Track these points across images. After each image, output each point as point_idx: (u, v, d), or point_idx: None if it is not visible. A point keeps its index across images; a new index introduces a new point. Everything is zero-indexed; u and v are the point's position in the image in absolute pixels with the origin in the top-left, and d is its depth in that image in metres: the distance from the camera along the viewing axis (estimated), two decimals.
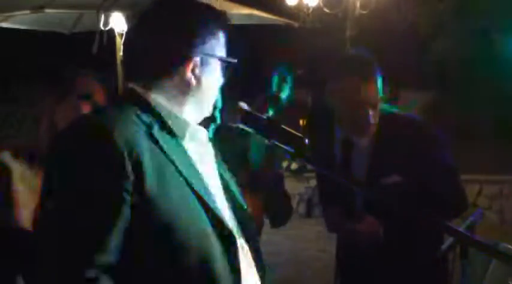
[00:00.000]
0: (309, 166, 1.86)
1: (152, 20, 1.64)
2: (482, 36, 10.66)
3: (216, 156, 1.74)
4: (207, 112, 1.69)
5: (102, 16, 6.73)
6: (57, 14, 7.25)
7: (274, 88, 5.44)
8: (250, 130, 1.64)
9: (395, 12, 11.20)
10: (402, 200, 2.33)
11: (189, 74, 1.61)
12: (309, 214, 8.94)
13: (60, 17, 7.59)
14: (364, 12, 9.35)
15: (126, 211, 1.45)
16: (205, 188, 1.57)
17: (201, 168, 1.61)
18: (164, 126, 1.58)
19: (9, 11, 7.10)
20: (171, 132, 1.58)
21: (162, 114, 1.59)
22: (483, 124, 10.15)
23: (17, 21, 7.59)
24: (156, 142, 1.52)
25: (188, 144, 1.61)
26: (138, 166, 1.45)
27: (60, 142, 1.54)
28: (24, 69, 12.66)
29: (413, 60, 11.03)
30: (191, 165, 1.58)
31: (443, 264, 2.68)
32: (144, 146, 1.48)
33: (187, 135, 1.61)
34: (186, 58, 1.60)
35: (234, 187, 1.74)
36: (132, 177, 1.44)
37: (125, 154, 1.44)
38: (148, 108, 1.58)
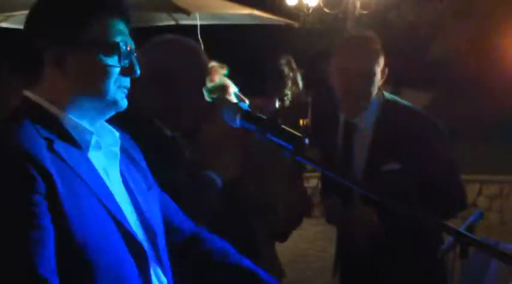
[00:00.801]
0: (309, 166, 1.87)
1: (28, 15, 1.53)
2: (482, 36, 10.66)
3: (129, 157, 1.65)
4: (107, 108, 1.54)
5: None
6: None
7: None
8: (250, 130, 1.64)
9: (395, 12, 11.20)
10: (399, 189, 2.39)
11: (59, 69, 1.48)
12: (309, 214, 8.95)
13: None
14: (364, 12, 9.35)
15: (49, 226, 1.35)
16: (115, 202, 1.49)
17: (107, 178, 1.52)
18: (66, 137, 1.47)
19: (9, 11, 7.09)
20: (74, 143, 1.47)
21: (62, 122, 1.48)
22: (483, 124, 10.15)
23: (17, 21, 7.58)
24: (60, 157, 1.42)
25: (93, 154, 1.51)
26: (48, 181, 1.36)
27: None
28: None
29: (413, 60, 11.03)
30: (98, 178, 1.48)
31: (442, 263, 2.68)
32: (49, 162, 1.38)
33: (92, 143, 1.50)
34: (48, 51, 1.47)
35: (140, 193, 1.63)
36: (43, 194, 1.35)
37: (33, 171, 1.34)
38: (45, 118, 1.47)
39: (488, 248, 1.48)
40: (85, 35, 1.49)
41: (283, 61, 3.07)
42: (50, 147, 1.42)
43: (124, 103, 1.56)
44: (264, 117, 1.62)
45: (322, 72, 3.32)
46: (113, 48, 1.51)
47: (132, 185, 1.61)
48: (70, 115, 1.50)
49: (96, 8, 1.51)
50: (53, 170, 1.37)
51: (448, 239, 2.88)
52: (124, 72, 1.54)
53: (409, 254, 2.64)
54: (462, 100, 10.55)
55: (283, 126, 1.61)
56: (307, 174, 8.90)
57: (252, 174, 2.47)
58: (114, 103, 1.53)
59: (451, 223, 1.49)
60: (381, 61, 2.67)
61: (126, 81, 1.56)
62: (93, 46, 1.49)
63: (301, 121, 9.25)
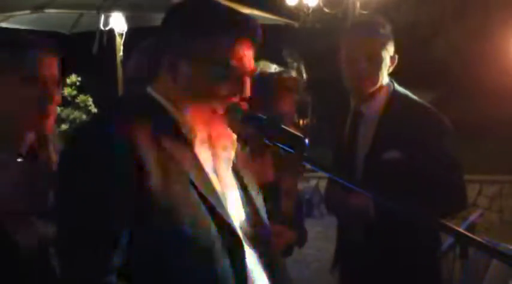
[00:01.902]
0: (309, 166, 1.86)
1: (164, 21, 1.67)
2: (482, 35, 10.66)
3: (239, 165, 1.74)
4: (211, 114, 1.64)
5: (102, 16, 6.74)
6: (57, 14, 7.26)
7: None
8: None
9: (395, 12, 11.20)
10: (399, 179, 2.42)
11: (183, 72, 1.60)
12: (308, 214, 8.94)
13: (60, 17, 7.60)
14: (364, 12, 9.35)
15: (132, 213, 1.47)
16: (214, 193, 1.58)
17: (213, 173, 1.62)
18: (174, 130, 1.58)
19: (9, 11, 7.10)
20: (181, 135, 1.58)
21: (173, 116, 1.60)
22: (483, 124, 10.15)
23: (17, 21, 7.59)
24: (162, 147, 1.53)
25: (200, 150, 1.61)
26: (144, 168, 1.47)
27: (68, 148, 1.59)
28: None
29: (413, 59, 11.04)
30: (199, 169, 1.58)
31: (438, 262, 2.69)
32: (150, 150, 1.50)
33: (198, 138, 1.61)
34: (178, 56, 1.60)
35: (257, 202, 1.74)
36: (137, 180, 1.46)
37: (131, 158, 1.47)
38: (160, 113, 1.60)
39: (488, 248, 1.48)
40: (205, 50, 1.59)
41: (285, 52, 3.08)
42: (156, 139, 1.52)
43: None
44: (264, 117, 1.62)
45: (322, 72, 3.31)
46: (222, 67, 1.59)
47: (246, 183, 1.73)
48: (183, 114, 1.61)
49: (220, 29, 1.60)
50: (151, 159, 1.49)
51: (448, 239, 2.89)
52: (235, 91, 1.63)
53: (408, 252, 2.63)
54: (462, 100, 10.55)
55: (283, 126, 1.61)
56: (306, 174, 8.90)
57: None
58: (212, 115, 1.62)
59: (451, 223, 1.49)
60: (390, 47, 2.70)
61: (236, 98, 1.64)
62: (211, 62, 1.59)
63: (301, 122, 9.24)
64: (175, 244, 1.49)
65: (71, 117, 7.29)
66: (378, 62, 2.65)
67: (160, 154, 1.51)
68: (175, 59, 1.59)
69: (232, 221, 1.58)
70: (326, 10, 9.37)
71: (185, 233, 1.49)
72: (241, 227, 1.64)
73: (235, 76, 1.60)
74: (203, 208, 1.53)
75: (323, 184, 7.72)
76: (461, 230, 1.49)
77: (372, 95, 2.70)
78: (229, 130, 1.68)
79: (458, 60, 10.99)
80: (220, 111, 1.62)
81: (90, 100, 7.45)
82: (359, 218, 2.62)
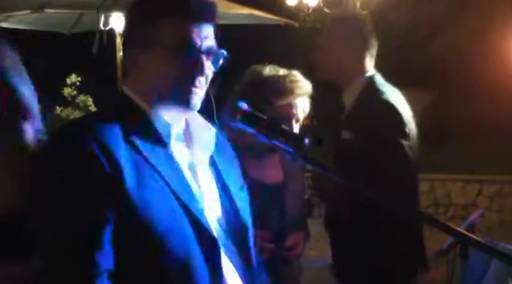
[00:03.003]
0: (309, 166, 1.87)
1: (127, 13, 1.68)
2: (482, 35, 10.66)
3: (221, 158, 1.72)
4: (182, 107, 1.61)
5: (102, 16, 6.73)
6: (57, 14, 7.26)
7: None
8: (250, 130, 1.63)
9: (395, 12, 11.19)
10: (352, 158, 2.59)
11: (142, 64, 1.59)
12: (308, 214, 8.93)
13: (60, 17, 7.60)
14: (364, 12, 9.35)
15: (109, 213, 1.46)
16: (189, 191, 1.57)
17: (192, 171, 1.61)
18: (147, 128, 1.56)
19: (9, 11, 7.10)
20: (154, 134, 1.56)
21: (147, 114, 1.58)
22: (484, 124, 10.14)
23: (17, 21, 7.59)
24: (136, 148, 1.51)
25: (176, 148, 1.60)
26: (115, 169, 1.46)
27: (41, 154, 1.58)
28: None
29: (413, 60, 11.03)
30: (175, 170, 1.56)
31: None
32: (122, 150, 1.49)
33: (173, 136, 1.59)
34: (134, 49, 1.59)
35: (237, 199, 1.71)
36: (110, 181, 1.45)
37: (102, 159, 1.45)
38: (132, 110, 1.58)
39: (488, 248, 1.48)
40: (153, 36, 1.56)
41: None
42: (128, 138, 1.50)
43: (194, 104, 1.60)
44: (264, 117, 1.62)
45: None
46: (180, 48, 1.56)
47: (227, 180, 1.69)
48: (155, 110, 1.58)
49: (167, 10, 1.58)
50: (123, 159, 1.47)
51: (448, 239, 2.88)
52: (191, 72, 1.58)
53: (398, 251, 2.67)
54: (462, 99, 10.55)
55: (283, 126, 1.61)
56: (306, 174, 8.89)
57: None
58: (185, 103, 1.59)
59: (451, 223, 1.50)
60: (359, 42, 2.86)
61: (196, 81, 1.59)
62: (160, 46, 1.56)
63: (303, 121, 9.23)
64: (152, 245, 1.48)
65: (71, 117, 7.28)
66: (339, 55, 2.84)
67: (134, 155, 1.50)
68: (133, 52, 1.59)
69: (207, 221, 1.57)
70: (326, 10, 9.37)
71: (161, 234, 1.48)
72: (221, 225, 1.64)
73: (190, 57, 1.57)
74: (178, 208, 1.53)
75: None
76: (461, 230, 1.49)
77: (347, 85, 2.88)
78: (207, 124, 1.67)
79: (458, 60, 10.99)
80: (192, 103, 1.60)
81: (90, 100, 7.43)
82: (347, 208, 2.70)
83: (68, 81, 7.43)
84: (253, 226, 1.77)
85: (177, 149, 1.60)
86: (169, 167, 1.55)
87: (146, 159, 1.51)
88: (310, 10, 9.49)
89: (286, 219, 2.47)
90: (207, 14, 1.62)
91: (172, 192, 1.52)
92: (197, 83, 1.59)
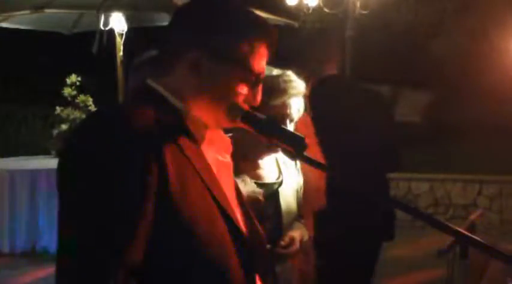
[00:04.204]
0: (308, 166, 1.88)
1: (176, 16, 1.62)
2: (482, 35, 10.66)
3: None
4: (223, 117, 1.59)
5: (102, 16, 6.73)
6: (57, 14, 7.26)
7: None
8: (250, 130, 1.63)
9: (395, 12, 11.19)
10: None
11: (206, 71, 1.54)
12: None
13: (60, 17, 7.60)
14: (364, 12, 9.34)
15: (148, 211, 1.39)
16: (225, 197, 1.54)
17: (218, 176, 1.57)
18: (185, 129, 1.52)
19: (9, 11, 7.10)
20: (189, 134, 1.52)
21: (182, 115, 1.54)
22: (484, 124, 10.14)
23: (17, 21, 7.59)
24: (179, 147, 1.47)
25: (206, 150, 1.56)
26: (160, 165, 1.40)
27: (78, 140, 1.47)
28: (25, 69, 12.66)
29: (413, 60, 11.03)
30: (211, 173, 1.53)
31: None
32: (166, 149, 1.43)
33: (206, 138, 1.56)
34: (201, 55, 1.54)
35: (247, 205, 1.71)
36: (154, 175, 1.39)
37: (147, 153, 1.39)
38: (168, 109, 1.53)
39: (488, 248, 1.48)
40: (228, 49, 1.55)
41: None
42: (170, 137, 1.46)
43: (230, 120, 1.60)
44: (264, 117, 1.62)
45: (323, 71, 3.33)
46: (244, 68, 1.56)
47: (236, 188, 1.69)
48: (192, 113, 1.55)
49: (247, 30, 1.57)
50: (168, 158, 1.42)
51: (448, 239, 2.88)
52: (246, 96, 1.59)
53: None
54: (462, 99, 10.55)
55: (283, 126, 1.61)
56: None
57: None
58: (226, 117, 1.58)
59: (451, 223, 1.49)
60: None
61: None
62: (229, 60, 1.55)
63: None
64: (191, 249, 1.44)
65: (71, 117, 7.27)
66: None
67: (177, 156, 1.45)
68: (198, 57, 1.53)
69: (244, 230, 1.57)
70: (326, 10, 9.36)
71: (201, 239, 1.45)
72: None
73: (252, 81, 1.58)
74: (219, 214, 1.50)
75: None
76: (461, 230, 1.49)
77: None
78: (223, 135, 1.67)
79: (458, 60, 10.98)
80: (225, 116, 1.58)
81: (90, 100, 7.43)
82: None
83: (68, 81, 7.42)
84: None
85: (207, 153, 1.57)
86: (208, 171, 1.52)
87: (189, 161, 1.47)
88: (310, 10, 9.48)
89: (282, 219, 2.47)
90: (275, 46, 1.64)
91: (213, 197, 1.50)
92: (246, 106, 1.61)
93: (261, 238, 1.68)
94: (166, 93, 1.55)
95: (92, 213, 1.38)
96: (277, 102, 2.38)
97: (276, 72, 2.43)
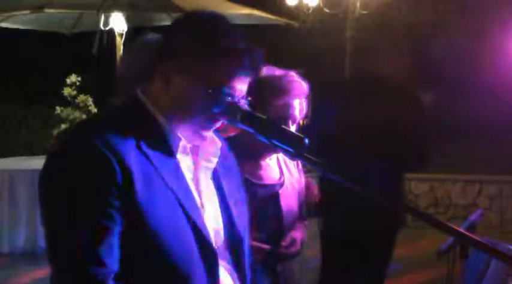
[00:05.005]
0: (309, 166, 1.87)
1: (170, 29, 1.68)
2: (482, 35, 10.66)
3: (226, 171, 1.75)
4: (200, 129, 1.63)
5: (102, 16, 6.73)
6: (57, 14, 7.26)
7: None
8: (250, 130, 1.63)
9: (396, 12, 11.19)
10: None
11: (176, 86, 1.59)
12: (308, 214, 8.92)
13: (60, 17, 7.60)
14: (364, 12, 9.35)
15: (117, 217, 1.48)
16: (192, 202, 1.59)
17: (192, 182, 1.63)
18: (159, 139, 1.58)
19: (9, 11, 7.10)
20: (165, 145, 1.58)
21: (161, 125, 1.60)
22: (484, 124, 10.14)
23: (17, 21, 7.59)
24: (146, 156, 1.53)
25: (182, 158, 1.62)
26: (126, 175, 1.48)
27: (52, 157, 1.59)
28: (25, 69, 12.65)
29: (413, 60, 11.03)
30: (181, 179, 1.59)
31: None
32: (132, 157, 1.50)
33: (180, 147, 1.61)
34: (174, 69, 1.58)
35: (234, 213, 1.73)
36: (120, 185, 1.47)
37: (114, 163, 1.47)
38: (146, 119, 1.60)
39: (488, 248, 1.48)
40: (203, 69, 1.57)
41: None
42: (139, 146, 1.53)
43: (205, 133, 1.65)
44: (264, 117, 1.61)
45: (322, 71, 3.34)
46: (215, 90, 1.57)
47: (226, 192, 1.72)
48: (169, 124, 1.60)
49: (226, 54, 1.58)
50: (134, 167, 1.49)
51: (448, 239, 2.88)
52: (217, 115, 1.61)
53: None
54: (462, 99, 10.55)
55: (283, 126, 1.60)
56: (306, 174, 8.88)
57: None
58: (198, 131, 1.63)
59: (451, 223, 1.49)
60: None
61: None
62: (203, 81, 1.58)
63: (301, 122, 9.23)
64: (156, 251, 1.51)
65: (71, 117, 7.27)
66: None
67: (144, 164, 1.52)
68: (171, 71, 1.59)
69: (208, 231, 1.60)
70: (326, 10, 9.37)
71: (166, 241, 1.51)
72: (219, 237, 1.67)
73: (225, 103, 1.59)
74: (182, 217, 1.55)
75: None
76: (461, 230, 1.49)
77: None
78: (214, 138, 1.70)
79: (458, 60, 10.99)
80: (207, 128, 1.63)
81: (90, 100, 7.42)
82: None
83: (68, 81, 7.41)
84: (249, 229, 1.79)
85: (183, 161, 1.62)
86: (176, 178, 1.57)
87: (156, 169, 1.53)
88: (310, 10, 9.49)
89: (283, 220, 2.47)
90: (257, 72, 1.66)
91: (178, 200, 1.55)
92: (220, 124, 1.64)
93: (238, 244, 1.72)
94: (151, 107, 1.61)
95: (63, 228, 1.49)
96: (280, 102, 2.38)
97: (278, 72, 2.43)
